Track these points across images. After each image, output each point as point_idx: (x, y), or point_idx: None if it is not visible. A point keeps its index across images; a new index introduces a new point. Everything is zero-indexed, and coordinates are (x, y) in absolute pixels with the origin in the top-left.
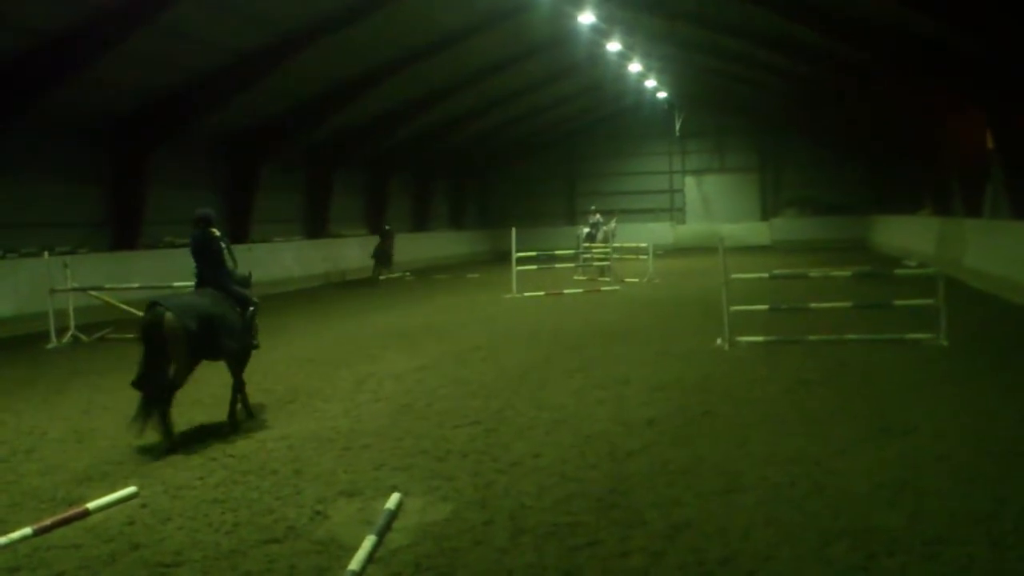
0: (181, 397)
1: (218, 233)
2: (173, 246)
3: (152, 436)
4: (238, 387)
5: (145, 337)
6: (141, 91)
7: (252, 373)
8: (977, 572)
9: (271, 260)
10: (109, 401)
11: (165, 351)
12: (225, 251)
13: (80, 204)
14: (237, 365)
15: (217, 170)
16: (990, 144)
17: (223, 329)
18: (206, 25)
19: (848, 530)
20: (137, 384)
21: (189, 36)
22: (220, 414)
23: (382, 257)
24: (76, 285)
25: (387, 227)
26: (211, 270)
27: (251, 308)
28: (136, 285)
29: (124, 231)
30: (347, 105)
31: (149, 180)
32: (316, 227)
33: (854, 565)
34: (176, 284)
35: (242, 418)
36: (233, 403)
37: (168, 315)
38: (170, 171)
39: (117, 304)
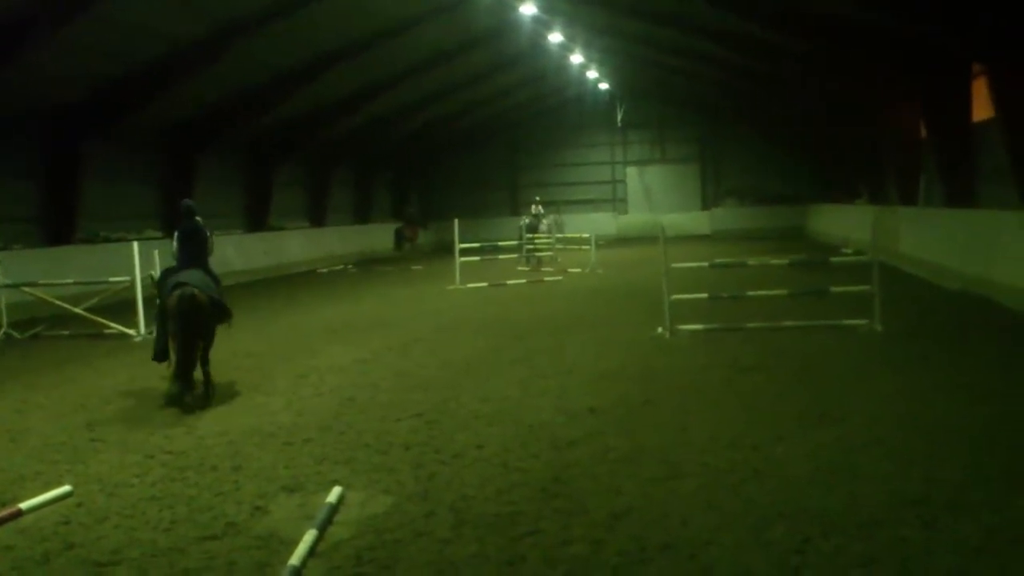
0: (111, 394)
1: (201, 220)
2: (109, 240)
3: (80, 434)
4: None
5: (181, 313)
6: (75, 81)
7: None
8: (909, 552)
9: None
10: (44, 399)
11: (200, 324)
12: (211, 238)
13: (12, 198)
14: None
15: (154, 162)
16: (924, 134)
17: (221, 302)
18: (143, 13)
19: (785, 514)
20: (164, 357)
21: (125, 24)
22: (153, 407)
23: (400, 238)
24: (8, 281)
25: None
26: (197, 254)
27: (220, 285)
28: (71, 281)
29: (58, 226)
30: (288, 97)
31: (84, 173)
32: (257, 220)
33: (791, 548)
34: (112, 279)
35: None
36: (208, 375)
37: (198, 292)
38: (106, 164)
39: (51, 300)
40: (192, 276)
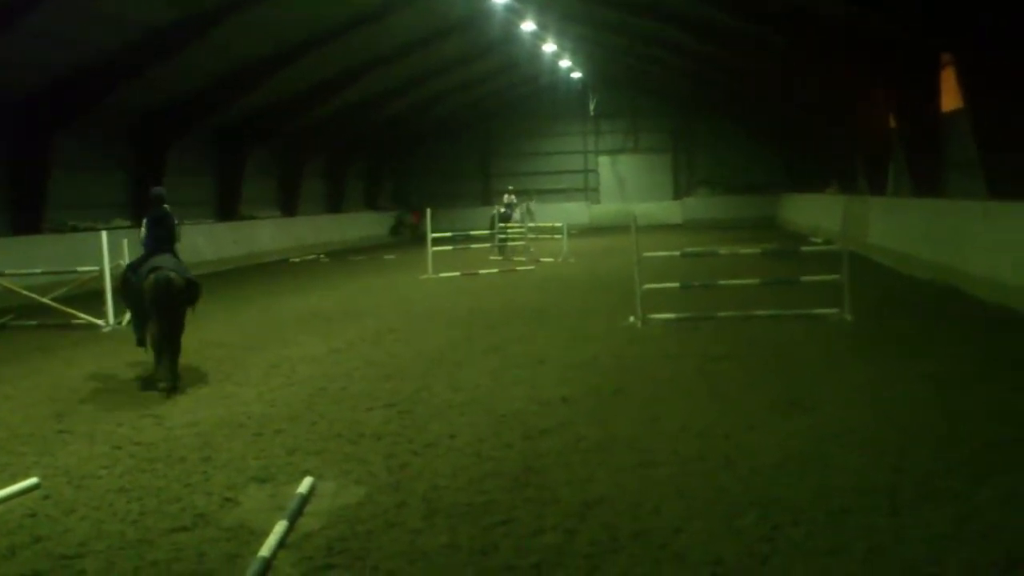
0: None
1: (168, 208)
2: (78, 230)
3: (48, 425)
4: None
5: (158, 297)
6: (43, 70)
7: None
8: (878, 540)
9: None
10: (11, 390)
11: (177, 306)
12: (178, 225)
13: None
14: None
15: (123, 151)
16: (893, 125)
17: (196, 282)
18: (111, 1)
19: (756, 502)
20: (146, 342)
21: (93, 12)
22: (122, 397)
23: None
24: None
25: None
26: (166, 240)
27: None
28: (39, 271)
29: (26, 215)
30: (259, 84)
31: (52, 162)
32: (228, 209)
33: (761, 536)
34: (81, 268)
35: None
36: (176, 362)
37: (174, 275)
38: (74, 153)
39: (19, 290)
40: (166, 260)
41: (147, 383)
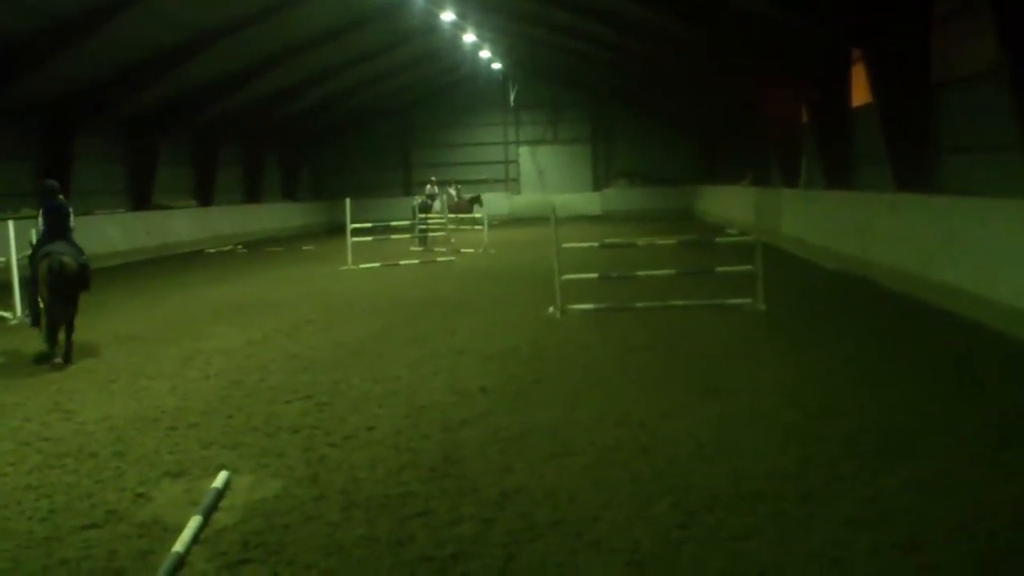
0: None
1: (63, 198)
2: None
3: None
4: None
5: (53, 279)
6: None
7: None
8: (787, 525)
9: (92, 233)
10: None
11: (69, 287)
12: (72, 214)
13: None
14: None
15: (31, 140)
16: (805, 119)
17: (87, 268)
18: None
19: (670, 489)
20: (38, 320)
21: None
22: (29, 392)
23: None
24: None
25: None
26: (62, 228)
27: (84, 256)
28: None
29: None
30: (172, 72)
31: None
32: (141, 199)
33: (675, 523)
34: None
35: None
36: (71, 339)
37: (67, 259)
38: None
39: None
40: (61, 246)
41: (41, 359)
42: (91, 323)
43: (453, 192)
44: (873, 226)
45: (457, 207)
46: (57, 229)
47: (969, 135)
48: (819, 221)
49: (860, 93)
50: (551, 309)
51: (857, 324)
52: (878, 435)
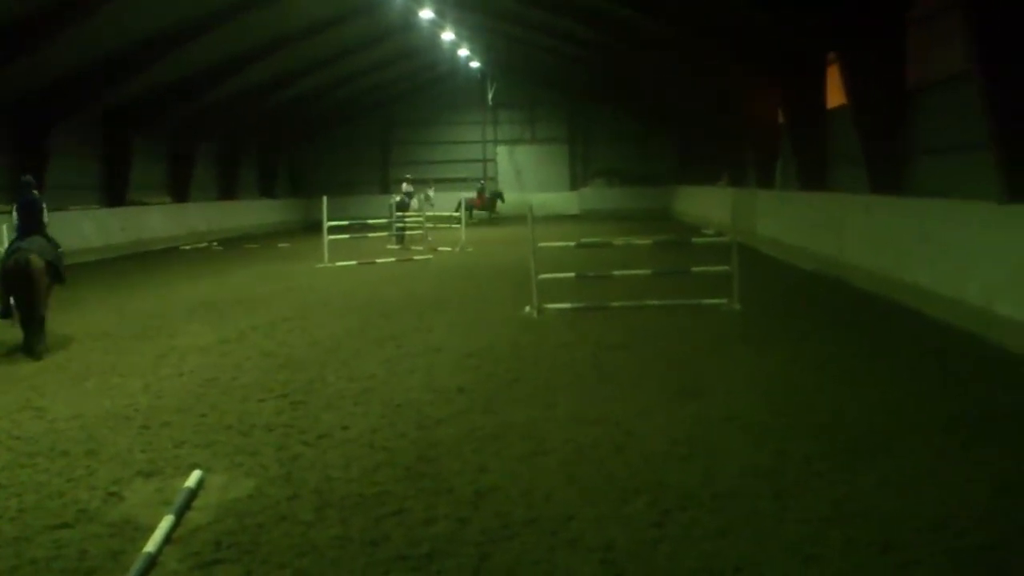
0: None
1: (37, 194)
2: None
3: None
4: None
5: (17, 274)
6: None
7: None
8: (762, 523)
9: (66, 229)
10: None
11: (33, 283)
12: (45, 209)
13: None
14: (48, 296)
15: (3, 135)
16: (781, 120)
17: (58, 263)
18: None
19: (645, 487)
20: (9, 313)
21: None
22: (4, 390)
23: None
24: None
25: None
26: (36, 223)
27: (60, 249)
28: None
29: None
30: (148, 66)
31: None
32: (115, 195)
33: (651, 521)
34: None
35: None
36: (41, 331)
37: (33, 256)
38: None
39: None
40: (32, 242)
41: (12, 350)
42: (64, 320)
43: (431, 192)
44: (847, 227)
45: (479, 203)
46: (31, 224)
47: (944, 137)
48: (795, 222)
49: (835, 95)
50: (528, 308)
51: (832, 324)
52: (852, 434)
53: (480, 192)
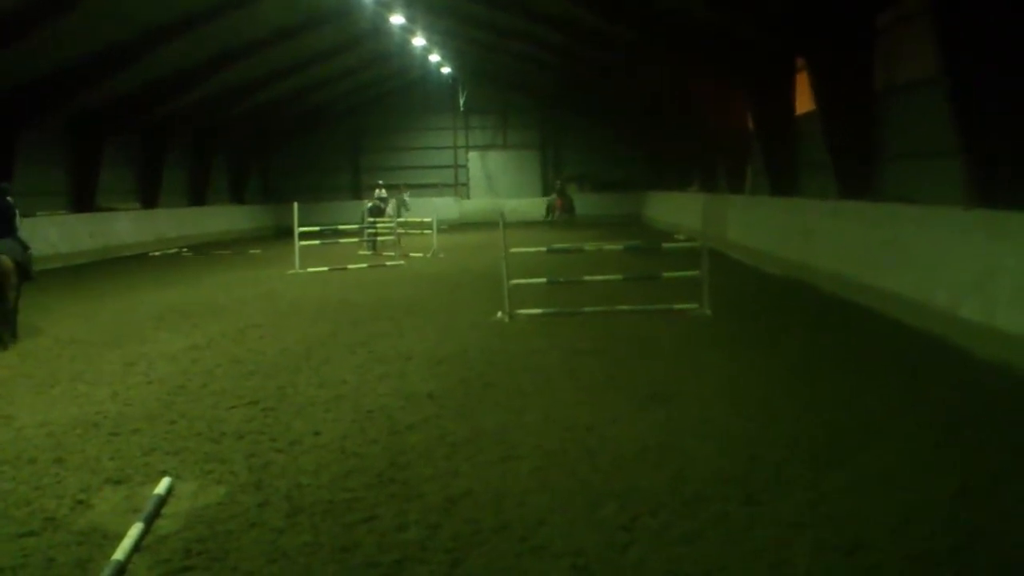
0: None
1: (11, 200)
2: None
3: None
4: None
5: None
6: None
7: (6, 356)
8: (731, 526)
9: (33, 236)
10: None
11: (3, 277)
12: (18, 214)
13: None
14: (19, 291)
15: None
16: (751, 126)
17: (27, 263)
18: None
19: (616, 493)
20: None
21: None
22: None
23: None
24: None
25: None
26: (10, 227)
27: (29, 250)
28: None
29: None
30: (117, 70)
31: None
32: (83, 200)
33: (620, 525)
34: None
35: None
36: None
37: (3, 257)
38: None
39: None
40: (2, 244)
41: None
42: (31, 326)
43: (407, 197)
44: (816, 232)
45: (560, 206)
46: (3, 228)
47: (912, 142)
48: (764, 227)
49: (804, 101)
50: (499, 314)
51: (801, 329)
52: (821, 438)
53: (560, 193)
